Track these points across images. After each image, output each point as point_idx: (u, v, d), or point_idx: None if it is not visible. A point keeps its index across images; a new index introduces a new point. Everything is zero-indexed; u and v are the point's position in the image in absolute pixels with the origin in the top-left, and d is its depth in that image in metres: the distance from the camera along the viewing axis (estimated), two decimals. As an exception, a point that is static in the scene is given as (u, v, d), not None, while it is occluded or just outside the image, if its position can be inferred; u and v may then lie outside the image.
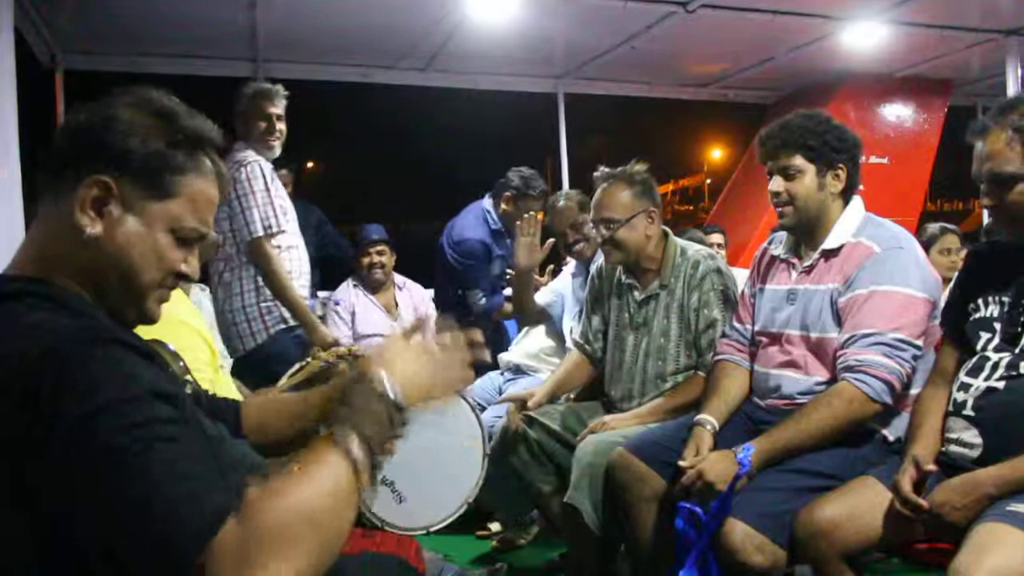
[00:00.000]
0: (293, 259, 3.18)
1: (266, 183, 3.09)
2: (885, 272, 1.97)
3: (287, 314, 3.06)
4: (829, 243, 2.10)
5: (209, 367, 1.61)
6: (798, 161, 2.09)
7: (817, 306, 2.08)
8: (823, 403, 1.96)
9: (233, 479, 0.86)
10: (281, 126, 3.23)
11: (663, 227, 2.58)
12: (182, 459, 0.82)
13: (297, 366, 1.93)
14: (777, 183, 2.12)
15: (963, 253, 4.02)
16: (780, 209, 2.14)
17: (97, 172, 0.96)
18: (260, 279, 3.05)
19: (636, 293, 2.58)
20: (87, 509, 0.81)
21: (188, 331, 1.56)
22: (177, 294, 1.61)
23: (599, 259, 2.86)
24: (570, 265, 3.47)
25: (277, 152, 3.25)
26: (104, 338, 0.87)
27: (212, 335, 1.63)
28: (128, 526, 0.79)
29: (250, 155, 3.12)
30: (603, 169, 2.60)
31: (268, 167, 3.16)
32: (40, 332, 0.87)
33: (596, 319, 2.74)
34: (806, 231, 2.16)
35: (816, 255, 2.12)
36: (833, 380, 2.01)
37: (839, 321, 2.03)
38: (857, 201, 2.15)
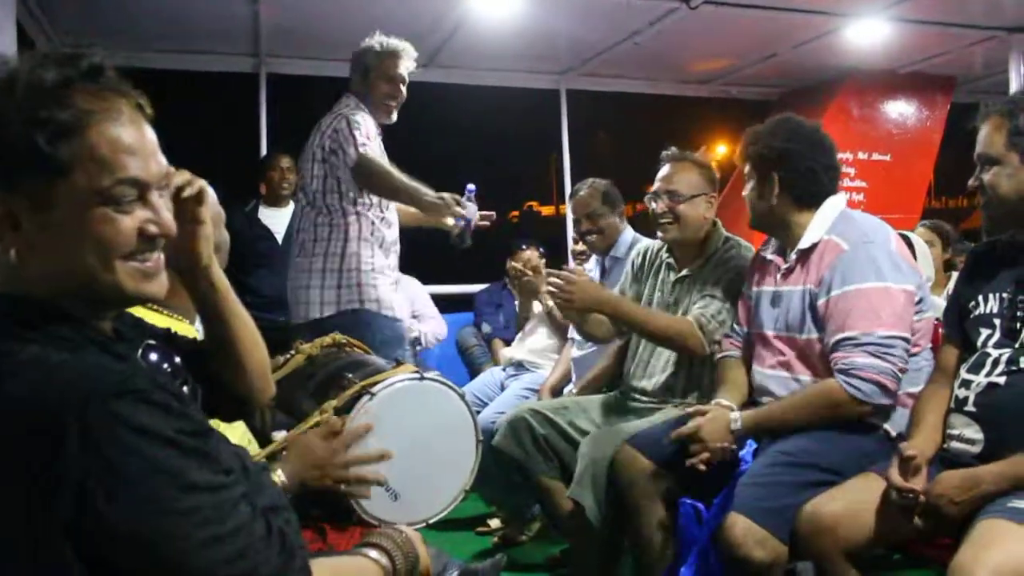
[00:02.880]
0: (391, 235, 3.00)
1: (367, 131, 2.84)
2: (856, 269, 1.97)
3: (364, 295, 2.82)
4: (803, 243, 2.11)
5: None
6: (746, 167, 2.20)
7: (797, 308, 2.08)
8: (812, 400, 1.98)
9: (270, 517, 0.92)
10: (404, 91, 3.02)
11: (714, 217, 2.63)
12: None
13: (281, 359, 1.91)
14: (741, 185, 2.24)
15: (938, 248, 3.97)
16: None
17: None
18: (354, 246, 2.81)
19: (672, 273, 2.61)
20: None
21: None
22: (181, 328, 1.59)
23: (616, 251, 2.86)
24: (590, 261, 3.49)
25: (393, 119, 3.04)
26: (118, 392, 0.81)
27: None
28: None
29: (356, 110, 2.90)
30: (673, 149, 2.66)
31: (372, 123, 2.93)
32: (39, 376, 0.82)
33: (630, 294, 2.75)
34: (768, 232, 2.25)
35: (794, 257, 2.13)
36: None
37: (818, 322, 2.03)
38: (833, 200, 2.14)
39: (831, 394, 1.94)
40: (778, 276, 2.18)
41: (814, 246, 2.08)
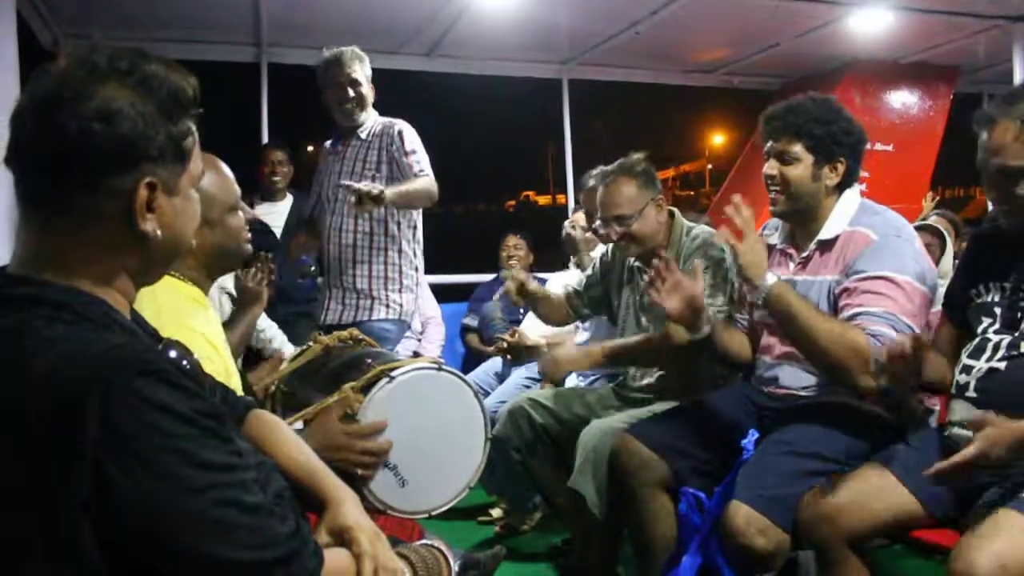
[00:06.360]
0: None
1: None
2: (884, 260, 1.94)
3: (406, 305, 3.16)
4: (824, 234, 2.07)
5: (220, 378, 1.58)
6: (797, 148, 2.06)
7: (815, 299, 2.05)
8: (841, 330, 1.86)
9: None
10: (355, 91, 3.16)
11: (669, 208, 2.58)
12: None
13: (298, 350, 1.92)
14: (772, 166, 2.09)
15: (953, 237, 3.94)
16: (772, 195, 2.12)
17: (138, 176, 0.92)
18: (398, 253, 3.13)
19: (646, 276, 2.58)
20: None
21: (199, 341, 1.54)
22: (194, 295, 1.60)
23: None
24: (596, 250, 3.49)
25: (355, 120, 3.19)
26: (141, 370, 0.83)
27: (227, 352, 1.59)
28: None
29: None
30: (600, 168, 2.58)
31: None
32: (64, 352, 0.84)
33: (598, 288, 2.76)
34: (798, 220, 2.15)
35: (812, 246, 2.10)
36: None
37: (836, 313, 2.01)
38: (852, 190, 2.12)
39: (856, 339, 1.84)
40: (792, 264, 2.15)
41: (836, 237, 2.05)
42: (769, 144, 2.11)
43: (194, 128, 1.00)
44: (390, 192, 2.84)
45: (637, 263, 2.63)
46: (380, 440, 1.52)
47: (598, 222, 2.61)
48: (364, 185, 2.81)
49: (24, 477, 0.81)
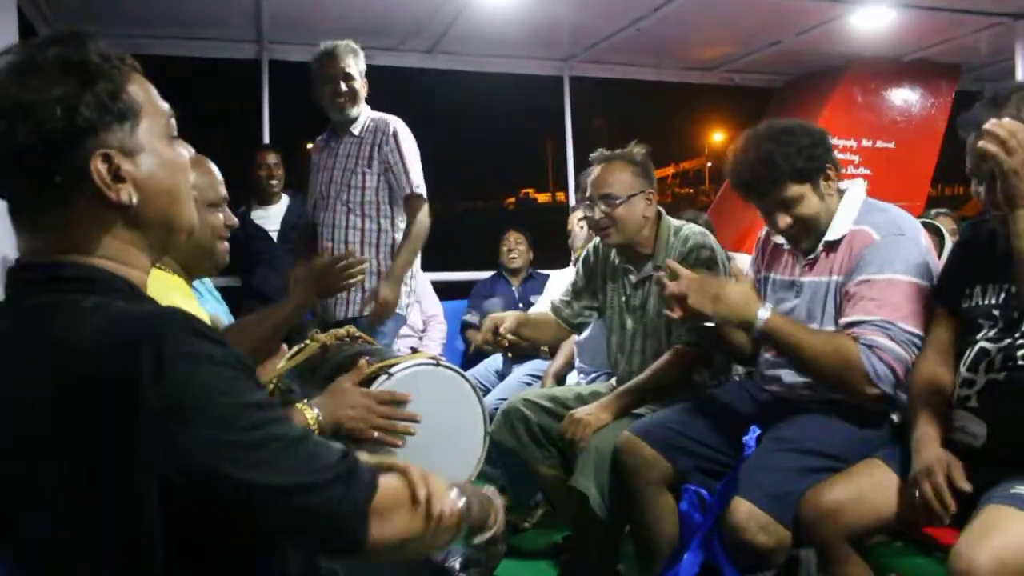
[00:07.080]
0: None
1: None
2: (886, 260, 1.94)
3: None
4: (831, 235, 2.06)
5: None
6: (792, 190, 2.00)
7: (821, 299, 2.06)
8: (831, 344, 1.91)
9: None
10: (349, 85, 3.17)
11: (658, 207, 2.55)
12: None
13: (296, 348, 1.92)
14: (783, 219, 2.03)
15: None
16: (794, 233, 2.07)
17: (85, 153, 0.91)
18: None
19: (631, 276, 2.56)
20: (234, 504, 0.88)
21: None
22: (176, 283, 1.61)
23: None
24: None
25: (347, 115, 3.20)
26: (184, 326, 0.87)
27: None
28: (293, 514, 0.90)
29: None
30: (601, 151, 2.56)
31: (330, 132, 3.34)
32: (108, 317, 0.86)
33: (586, 295, 2.72)
34: (806, 234, 2.12)
35: (819, 247, 2.09)
36: None
37: (837, 311, 2.01)
38: (855, 187, 2.10)
39: (848, 353, 1.88)
40: (798, 265, 2.14)
41: (841, 237, 2.04)
42: (763, 202, 2.06)
43: (131, 78, 0.95)
44: (396, 280, 3.05)
45: (623, 264, 2.59)
46: (398, 409, 1.52)
47: (587, 202, 2.56)
48: (381, 303, 2.99)
49: (86, 445, 0.83)
